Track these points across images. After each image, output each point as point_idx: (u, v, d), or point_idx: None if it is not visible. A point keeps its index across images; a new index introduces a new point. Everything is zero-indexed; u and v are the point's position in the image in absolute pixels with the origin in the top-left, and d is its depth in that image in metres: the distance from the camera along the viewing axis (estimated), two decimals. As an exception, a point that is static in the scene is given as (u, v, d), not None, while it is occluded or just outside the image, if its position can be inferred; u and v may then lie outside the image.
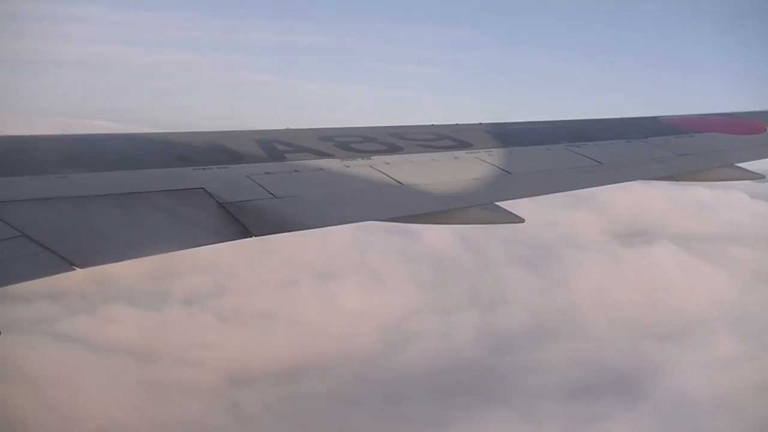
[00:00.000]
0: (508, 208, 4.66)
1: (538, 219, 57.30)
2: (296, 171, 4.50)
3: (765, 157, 6.32)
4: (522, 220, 4.63)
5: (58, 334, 32.98)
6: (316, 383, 33.21)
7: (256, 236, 3.73)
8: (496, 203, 4.62)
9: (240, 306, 37.98)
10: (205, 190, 3.95)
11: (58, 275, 3.07)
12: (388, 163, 4.84)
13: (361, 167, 4.72)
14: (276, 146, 4.86)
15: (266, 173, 4.34)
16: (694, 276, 47.16)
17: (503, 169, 5.13)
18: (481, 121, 6.32)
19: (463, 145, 5.46)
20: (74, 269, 3.07)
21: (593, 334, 38.27)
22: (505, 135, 5.89)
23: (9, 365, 29.55)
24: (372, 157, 4.89)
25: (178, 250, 3.68)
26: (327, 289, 41.16)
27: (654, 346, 37.27)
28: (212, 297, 39.29)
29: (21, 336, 32.28)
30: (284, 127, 5.45)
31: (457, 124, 6.15)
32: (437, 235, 51.46)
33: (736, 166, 5.90)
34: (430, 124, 6.09)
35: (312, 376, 33.78)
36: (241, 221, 3.74)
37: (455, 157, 5.20)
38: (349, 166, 4.70)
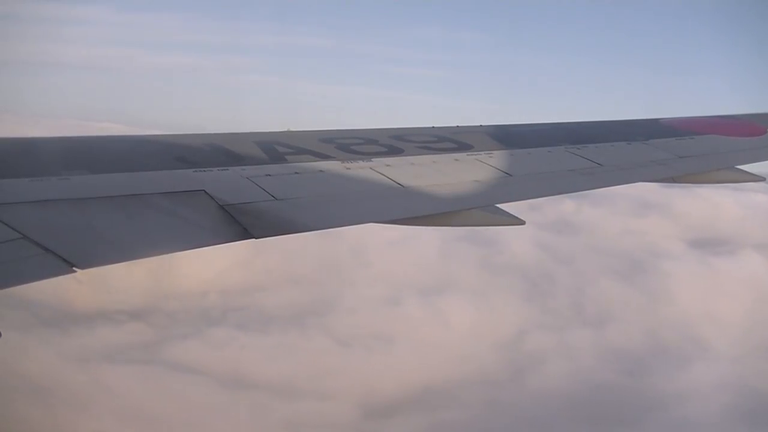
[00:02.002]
0: (510, 210, 4.57)
1: (611, 227, 55.68)
2: (297, 173, 4.45)
3: (765, 160, 6.23)
4: (522, 222, 4.48)
5: (168, 362, 29.41)
6: (453, 412, 30.45)
7: (256, 238, 3.65)
8: (497, 205, 4.53)
9: (352, 326, 34.81)
10: (206, 192, 3.89)
11: (59, 277, 2.94)
12: (388, 165, 4.78)
13: (361, 169, 4.66)
14: (277, 148, 4.80)
15: (267, 175, 4.28)
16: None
17: (504, 171, 5.08)
18: (482, 123, 6.29)
19: (463, 147, 5.42)
20: (75, 271, 2.99)
21: (724, 353, 36.16)
22: (506, 137, 5.84)
23: (131, 400, 26.08)
24: (372, 159, 4.83)
25: (179, 251, 3.53)
26: (433, 306, 38.34)
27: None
28: (315, 316, 36.13)
29: (132, 366, 28.72)
30: (285, 129, 5.40)
31: (457, 126, 6.06)
32: (518, 244, 49.27)
33: (737, 169, 5.82)
34: (431, 126, 6.01)
35: (445, 404, 31.04)
36: (241, 223, 3.68)
37: (456, 159, 5.16)
38: (349, 168, 4.64)
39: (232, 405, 26.99)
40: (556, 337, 37.68)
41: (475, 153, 5.31)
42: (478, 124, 6.30)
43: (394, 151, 5.11)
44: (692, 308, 41.52)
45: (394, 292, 39.27)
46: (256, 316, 35.63)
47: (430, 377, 32.52)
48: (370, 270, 41.86)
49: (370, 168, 4.71)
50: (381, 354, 33.16)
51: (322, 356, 31.73)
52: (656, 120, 7.00)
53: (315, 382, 29.67)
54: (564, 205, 62.38)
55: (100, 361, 28.59)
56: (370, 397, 29.90)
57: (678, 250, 50.55)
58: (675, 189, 59.34)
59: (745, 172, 5.84)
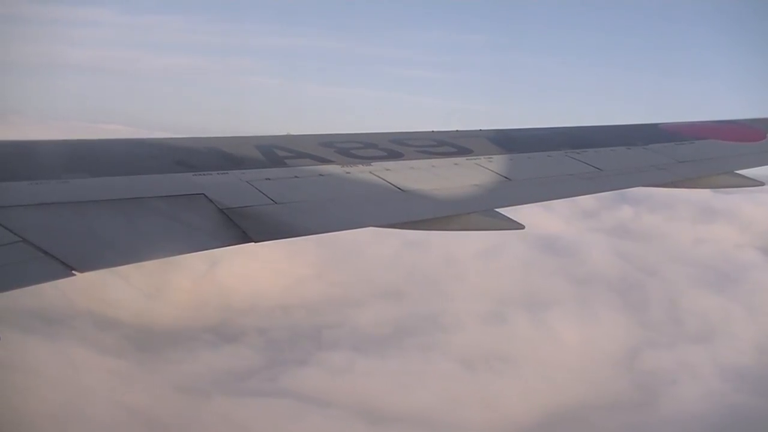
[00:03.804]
0: (509, 215, 4.45)
1: (678, 235, 53.86)
2: (296, 177, 4.42)
3: (765, 164, 6.16)
4: (522, 227, 4.36)
5: (294, 392, 26.26)
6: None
7: (255, 242, 3.59)
8: (496, 209, 4.46)
9: (469, 346, 32.07)
10: (206, 196, 3.87)
11: (58, 280, 2.91)
12: (388, 170, 4.74)
13: (361, 173, 4.62)
14: (276, 152, 4.76)
15: (266, 179, 4.25)
16: None
17: (503, 176, 5.02)
18: (482, 128, 6.22)
19: (463, 151, 5.36)
20: (74, 274, 2.98)
21: None
22: (505, 141, 5.79)
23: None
24: (372, 163, 4.80)
25: (178, 254, 3.49)
26: (539, 321, 35.82)
27: None
28: (420, 334, 33.31)
29: (258, 399, 25.52)
30: (285, 133, 5.35)
31: (457, 131, 5.98)
32: (596, 253, 47.12)
33: (736, 173, 5.79)
34: (431, 130, 5.94)
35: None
36: (241, 227, 3.64)
37: (455, 164, 5.10)
38: (349, 172, 4.60)
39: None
40: (670, 354, 35.44)
41: (475, 157, 5.26)
42: (480, 127, 6.26)
43: (393, 155, 5.06)
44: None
45: (495, 307, 36.73)
46: (360, 335, 32.73)
47: (558, 401, 30.03)
48: (449, 280, 39.38)
49: (370, 172, 4.67)
50: (507, 376, 30.51)
51: (449, 381, 28.88)
52: (656, 125, 6.95)
53: (451, 412, 26.83)
54: (621, 212, 60.68)
55: (219, 393, 25.39)
56: (510, 427, 27.23)
57: (756, 258, 48.80)
58: (731, 194, 57.86)
59: (745, 177, 5.78)
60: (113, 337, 29.32)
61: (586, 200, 62.95)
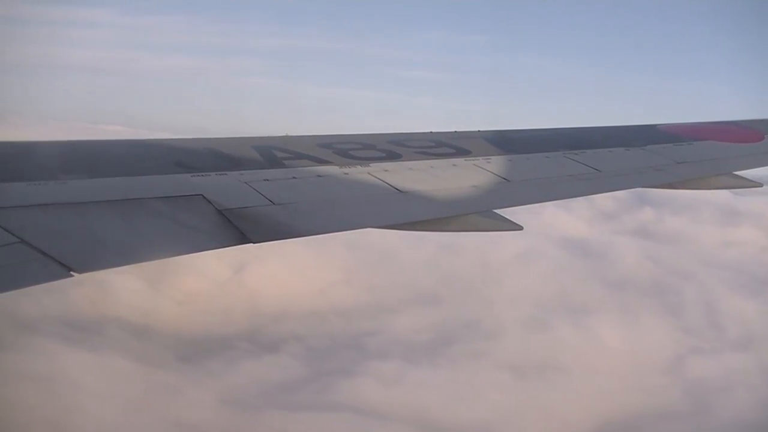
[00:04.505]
0: (508, 216, 4.43)
1: (705, 238, 53.11)
2: (295, 178, 4.41)
3: (763, 165, 6.16)
4: (520, 228, 4.28)
5: (352, 406, 25.01)
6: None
7: (254, 243, 3.58)
8: (495, 210, 4.45)
9: (516, 354, 31.00)
10: (204, 197, 3.87)
11: (57, 281, 2.88)
12: (386, 171, 4.74)
13: (359, 174, 4.63)
14: (275, 153, 4.76)
15: (265, 180, 4.26)
16: None
17: (502, 177, 5.01)
18: (484, 126, 6.34)
19: (461, 152, 5.35)
20: (72, 275, 2.98)
21: None
22: (504, 142, 5.77)
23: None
24: (371, 164, 4.79)
25: (177, 255, 3.48)
26: (582, 327, 34.81)
27: None
28: (464, 342, 32.24)
29: (314, 413, 24.28)
30: (284, 134, 5.35)
31: (455, 132, 5.98)
32: (626, 256, 46.26)
33: (735, 174, 5.78)
34: (429, 131, 5.92)
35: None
36: (239, 227, 3.64)
37: (454, 165, 5.09)
38: (347, 173, 4.60)
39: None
40: (716, 361, 34.48)
41: (473, 158, 5.22)
42: (479, 127, 6.21)
43: (392, 156, 5.02)
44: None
45: (534, 311, 35.72)
46: (402, 342, 31.60)
47: (611, 409, 29.06)
48: (481, 284, 38.43)
49: (368, 173, 4.63)
50: (558, 385, 29.48)
51: (502, 390, 27.81)
52: (654, 126, 6.93)
53: (509, 423, 25.76)
54: (642, 213, 59.89)
55: (270, 406, 24.17)
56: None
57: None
58: (752, 195, 57.23)
59: (743, 178, 5.75)
60: (149, 345, 28.03)
61: (605, 201, 62.25)
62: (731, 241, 51.14)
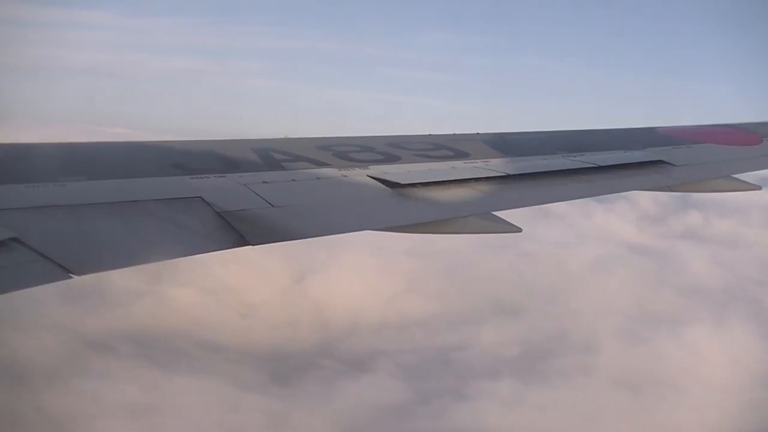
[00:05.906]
0: (508, 218, 4.31)
1: (753, 240, 51.58)
2: (293, 180, 4.35)
3: (762, 168, 6.17)
4: (519, 230, 4.22)
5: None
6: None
7: (252, 245, 3.49)
8: (494, 213, 4.38)
9: (623, 369, 28.78)
10: (203, 199, 3.80)
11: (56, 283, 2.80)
12: (385, 173, 4.63)
13: (358, 177, 4.55)
14: (273, 155, 4.74)
15: (263, 182, 4.20)
16: None
17: (500, 179, 4.92)
18: (480, 130, 6.27)
19: (460, 155, 5.31)
20: (71, 277, 2.94)
21: None
22: (503, 145, 5.72)
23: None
24: (369, 167, 4.71)
25: (175, 257, 3.42)
26: (679, 338, 32.75)
27: None
28: (560, 356, 29.94)
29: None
30: (283, 136, 5.36)
31: (454, 134, 5.99)
32: (694, 261, 44.42)
33: (733, 177, 5.73)
34: (428, 134, 5.91)
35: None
36: (238, 230, 3.56)
37: (453, 167, 5.03)
38: (346, 176, 4.55)
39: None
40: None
41: (472, 161, 5.15)
42: (479, 129, 6.23)
43: (391, 158, 4.95)
44: None
45: (622, 322, 33.63)
46: (495, 357, 29.33)
47: (730, 427, 27.00)
48: (552, 292, 36.34)
49: (367, 175, 4.55)
50: (671, 401, 27.39)
51: (627, 411, 25.56)
52: (653, 128, 6.87)
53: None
54: (689, 216, 58.31)
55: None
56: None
57: None
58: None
59: (742, 181, 5.66)
60: (235, 365, 25.35)
61: (647, 203, 60.66)
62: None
